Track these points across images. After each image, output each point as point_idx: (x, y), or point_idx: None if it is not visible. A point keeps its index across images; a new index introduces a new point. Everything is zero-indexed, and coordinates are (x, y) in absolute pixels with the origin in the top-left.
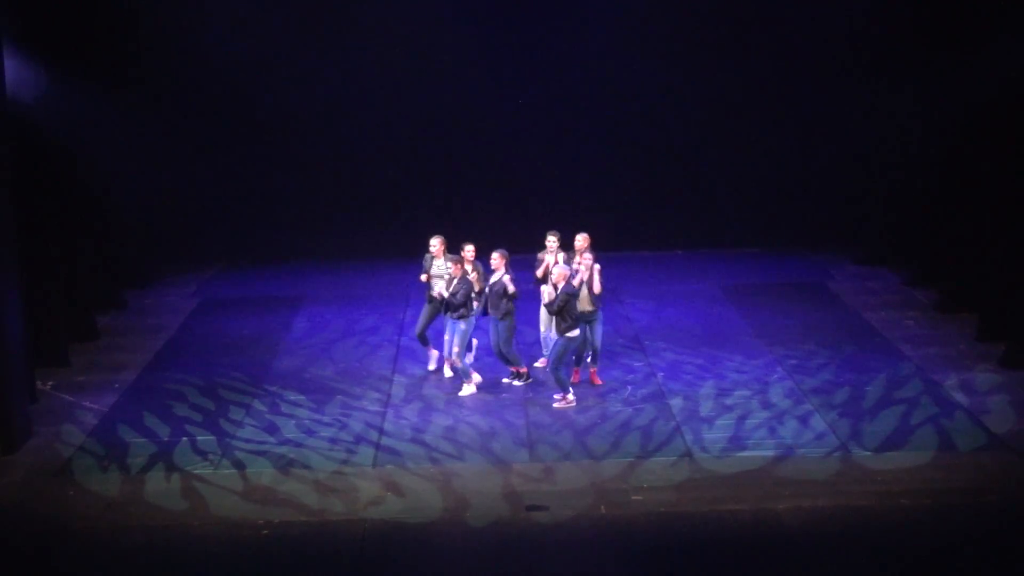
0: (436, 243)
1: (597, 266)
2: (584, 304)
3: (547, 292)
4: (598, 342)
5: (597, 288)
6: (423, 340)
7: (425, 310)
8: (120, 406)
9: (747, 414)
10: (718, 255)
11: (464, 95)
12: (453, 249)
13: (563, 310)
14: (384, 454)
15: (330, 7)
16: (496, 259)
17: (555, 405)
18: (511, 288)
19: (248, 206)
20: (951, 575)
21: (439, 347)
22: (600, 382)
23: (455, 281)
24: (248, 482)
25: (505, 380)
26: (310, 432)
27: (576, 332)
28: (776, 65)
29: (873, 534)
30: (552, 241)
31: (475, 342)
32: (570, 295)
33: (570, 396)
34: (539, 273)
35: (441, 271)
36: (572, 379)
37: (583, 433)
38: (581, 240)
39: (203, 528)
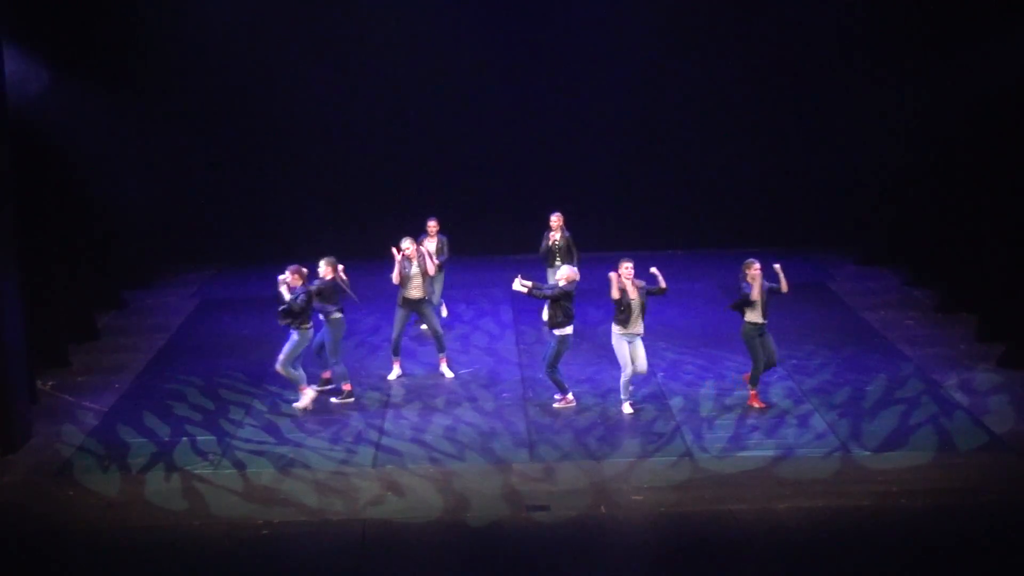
0: (408, 243)
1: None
2: (759, 315)
3: (519, 282)
4: (775, 354)
5: (784, 287)
6: (396, 349)
7: (398, 315)
8: (120, 406)
9: (747, 414)
10: (718, 255)
11: (465, 96)
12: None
13: (557, 305)
14: (384, 454)
15: (330, 9)
16: (323, 266)
17: (555, 406)
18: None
19: (248, 206)
20: (951, 575)
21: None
22: (761, 405)
23: (296, 289)
24: (248, 482)
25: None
26: (310, 432)
27: (568, 330)
28: (776, 65)
29: (873, 534)
30: (627, 268)
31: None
32: (565, 292)
33: (570, 396)
34: (614, 295)
35: (414, 272)
36: (752, 403)
37: (583, 433)
38: (556, 219)
39: (203, 528)
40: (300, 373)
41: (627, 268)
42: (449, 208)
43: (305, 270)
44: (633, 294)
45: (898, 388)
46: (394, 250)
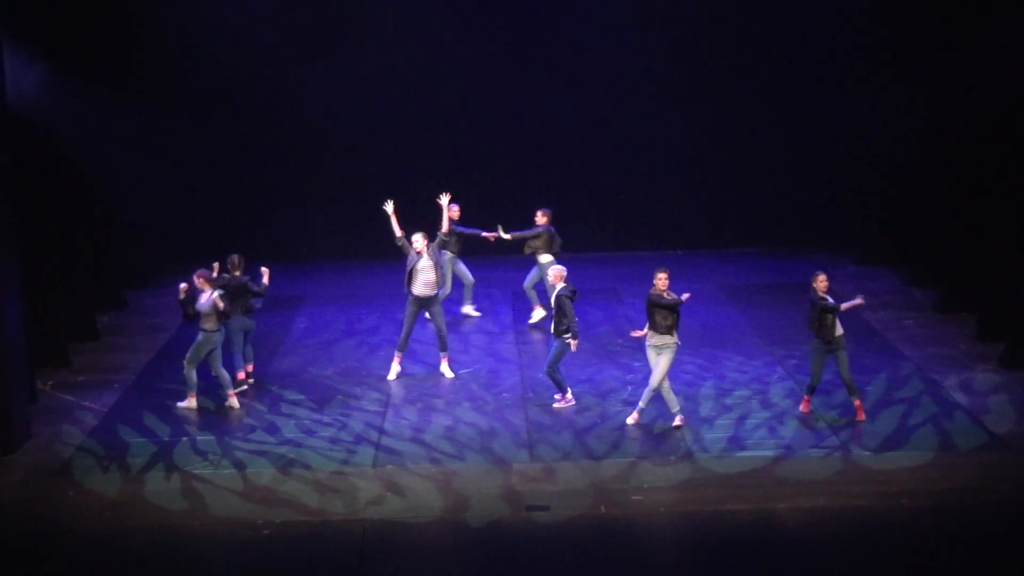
0: (418, 238)
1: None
2: (834, 329)
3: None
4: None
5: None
6: (402, 344)
7: (408, 311)
8: (120, 406)
9: (747, 414)
10: (718, 255)
11: (465, 96)
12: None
13: (561, 310)
14: (384, 454)
15: (330, 8)
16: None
17: (555, 405)
18: (220, 304)
19: (248, 206)
20: (951, 575)
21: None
22: (862, 417)
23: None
24: (248, 482)
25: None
26: (310, 432)
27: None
28: (776, 65)
29: (873, 534)
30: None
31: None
32: (569, 297)
33: (569, 396)
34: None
35: (421, 267)
36: (802, 409)
37: (583, 433)
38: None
39: (203, 528)
40: (194, 379)
41: (662, 279)
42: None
43: (212, 275)
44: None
45: (898, 388)
46: (389, 207)
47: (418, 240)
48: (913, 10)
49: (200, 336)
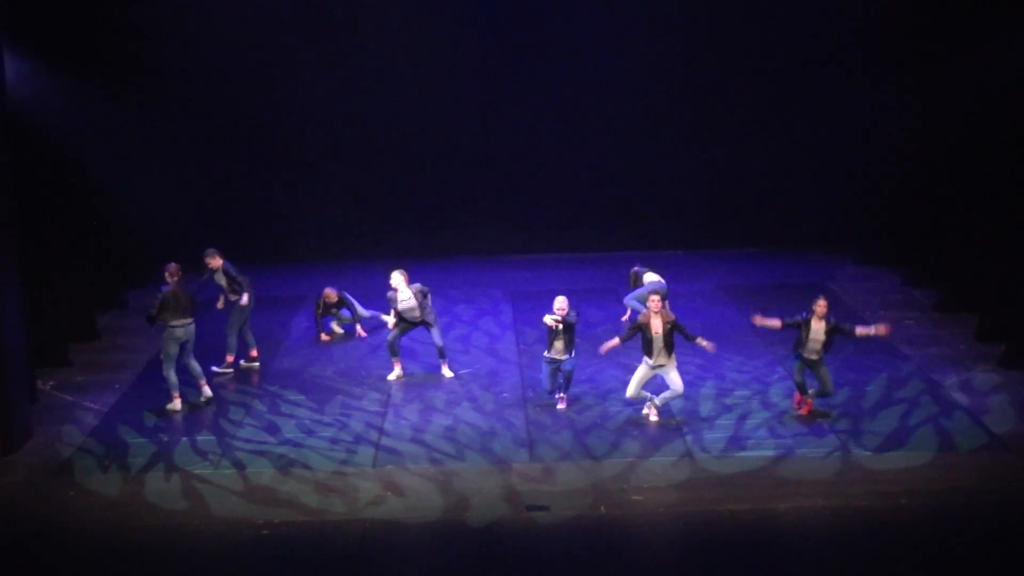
0: (397, 276)
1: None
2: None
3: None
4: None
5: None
6: (393, 350)
7: (399, 325)
8: (120, 406)
9: (747, 414)
10: (718, 255)
11: (465, 97)
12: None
13: (572, 332)
14: (384, 454)
15: (330, 10)
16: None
17: (558, 406)
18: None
19: (248, 206)
20: (951, 575)
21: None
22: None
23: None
24: (248, 482)
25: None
26: (310, 432)
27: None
28: (776, 65)
29: (873, 534)
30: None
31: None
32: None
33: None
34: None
35: (404, 307)
36: (803, 411)
37: (583, 433)
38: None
39: (203, 528)
40: (174, 379)
41: (655, 301)
42: (449, 208)
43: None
44: (657, 328)
45: (898, 388)
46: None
47: (394, 276)
48: (913, 10)
49: (167, 333)
